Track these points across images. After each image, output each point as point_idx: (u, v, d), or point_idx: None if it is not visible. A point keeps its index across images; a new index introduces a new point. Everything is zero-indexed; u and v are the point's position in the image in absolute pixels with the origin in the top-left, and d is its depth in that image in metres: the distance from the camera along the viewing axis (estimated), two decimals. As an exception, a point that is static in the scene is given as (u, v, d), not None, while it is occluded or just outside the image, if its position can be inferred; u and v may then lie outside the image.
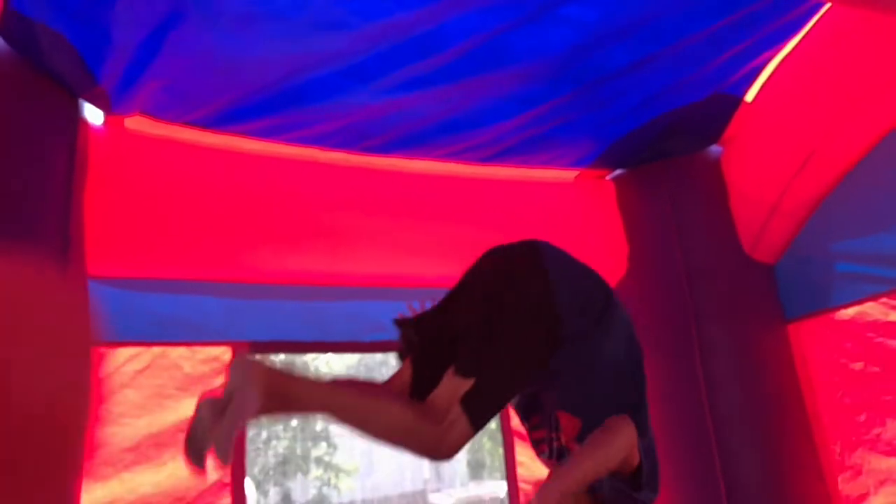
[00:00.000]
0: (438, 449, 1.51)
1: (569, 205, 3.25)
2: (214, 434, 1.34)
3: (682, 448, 2.88)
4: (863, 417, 2.77)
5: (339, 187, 2.78)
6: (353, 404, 1.52)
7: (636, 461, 1.53)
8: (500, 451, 3.16)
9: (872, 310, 2.79)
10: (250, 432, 14.27)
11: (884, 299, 2.75)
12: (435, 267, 3.03)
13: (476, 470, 16.67)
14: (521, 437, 3.07)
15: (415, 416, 1.52)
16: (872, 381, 2.76)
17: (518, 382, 1.55)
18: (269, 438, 15.59)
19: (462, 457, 16.99)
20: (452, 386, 1.50)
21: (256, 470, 15.12)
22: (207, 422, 1.38)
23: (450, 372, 1.53)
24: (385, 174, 2.87)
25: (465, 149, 2.89)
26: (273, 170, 2.69)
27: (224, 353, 2.68)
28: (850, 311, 2.86)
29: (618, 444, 1.46)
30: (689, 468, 2.87)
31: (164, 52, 2.04)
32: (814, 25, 2.58)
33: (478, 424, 1.50)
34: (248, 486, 2.85)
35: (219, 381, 2.65)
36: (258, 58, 2.13)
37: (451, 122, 2.68)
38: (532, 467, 3.03)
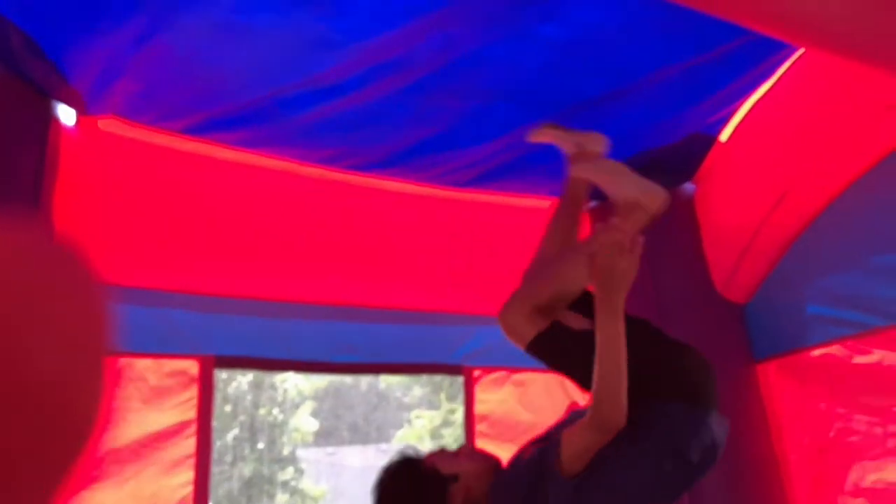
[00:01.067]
0: None
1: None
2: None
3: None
4: (830, 459, 2.79)
5: (316, 203, 2.77)
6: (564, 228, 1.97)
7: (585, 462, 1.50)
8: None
9: (838, 352, 2.83)
10: (215, 454, 14.02)
11: (849, 342, 2.79)
12: (410, 290, 3.03)
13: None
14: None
15: None
16: (836, 422, 2.78)
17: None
18: (234, 460, 15.29)
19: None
20: None
21: (221, 493, 14.80)
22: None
23: None
24: (363, 192, 2.87)
25: (443, 172, 2.91)
26: (249, 180, 2.68)
27: (191, 367, 2.64)
28: (816, 353, 2.90)
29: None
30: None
31: (141, 59, 2.03)
32: (787, 69, 2.64)
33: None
34: (212, 508, 2.78)
35: (186, 395, 2.61)
36: (238, 69, 2.13)
37: (430, 143, 2.70)
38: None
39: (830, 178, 2.77)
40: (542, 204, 3.30)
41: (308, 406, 17.97)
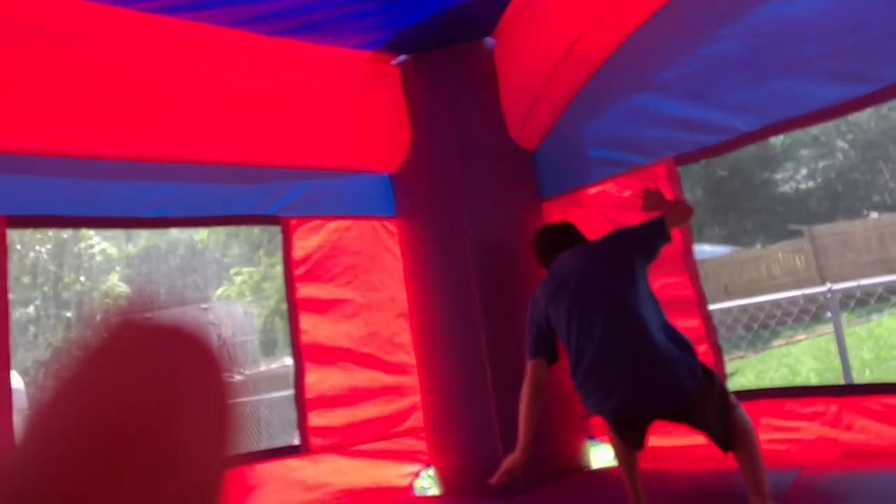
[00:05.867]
0: None
1: (358, 86, 3.33)
2: None
3: (452, 307, 3.27)
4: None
5: (115, 50, 2.58)
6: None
7: None
8: (291, 326, 3.23)
9: (611, 189, 3.26)
10: (16, 327, 13.01)
11: (620, 179, 3.22)
12: (222, 143, 2.99)
13: (268, 348, 16.91)
14: (305, 306, 3.21)
15: None
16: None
17: None
18: (39, 331, 14.46)
19: (255, 338, 17.14)
20: None
21: (28, 363, 14.05)
22: None
23: None
24: (170, 39, 2.69)
25: (252, 18, 2.81)
26: (37, 25, 2.41)
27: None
28: (593, 191, 3.32)
29: None
30: (458, 322, 3.28)
31: None
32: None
33: None
34: None
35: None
36: None
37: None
38: (314, 334, 3.20)
39: (610, 31, 3.06)
40: (356, 57, 3.32)
41: (118, 272, 17.15)
